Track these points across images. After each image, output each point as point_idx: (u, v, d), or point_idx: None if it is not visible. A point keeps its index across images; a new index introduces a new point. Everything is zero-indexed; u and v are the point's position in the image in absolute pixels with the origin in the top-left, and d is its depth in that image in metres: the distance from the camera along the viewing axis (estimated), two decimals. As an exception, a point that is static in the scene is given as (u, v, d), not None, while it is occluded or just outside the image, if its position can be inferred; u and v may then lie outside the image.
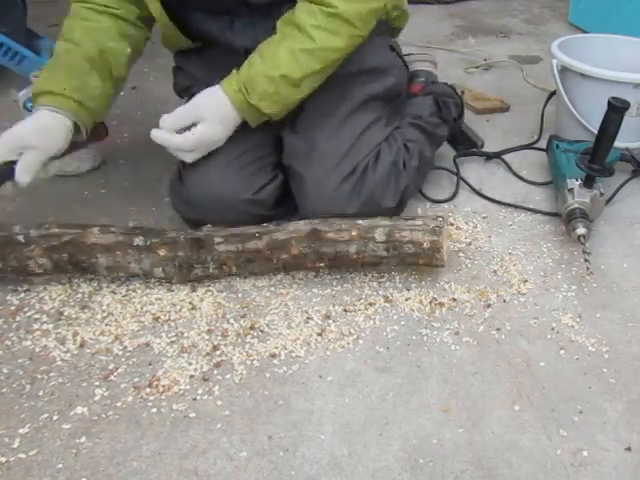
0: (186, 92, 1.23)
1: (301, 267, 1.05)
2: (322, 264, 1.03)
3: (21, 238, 1.00)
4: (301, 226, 1.03)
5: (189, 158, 1.08)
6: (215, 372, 0.90)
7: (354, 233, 1.01)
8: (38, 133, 1.02)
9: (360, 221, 1.03)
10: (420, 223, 1.02)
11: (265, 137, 1.17)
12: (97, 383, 0.88)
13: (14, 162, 1.01)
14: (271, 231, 1.02)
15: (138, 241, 1.00)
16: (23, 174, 1.01)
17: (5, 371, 0.90)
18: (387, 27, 1.25)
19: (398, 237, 1.01)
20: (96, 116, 1.11)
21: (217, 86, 1.05)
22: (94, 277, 1.06)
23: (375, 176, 1.11)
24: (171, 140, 1.05)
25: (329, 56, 1.03)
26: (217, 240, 1.01)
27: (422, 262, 1.03)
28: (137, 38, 1.15)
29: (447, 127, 1.36)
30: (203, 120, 1.04)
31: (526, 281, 1.07)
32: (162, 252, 1.00)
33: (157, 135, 1.05)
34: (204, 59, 1.20)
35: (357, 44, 1.07)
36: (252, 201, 1.11)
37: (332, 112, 1.12)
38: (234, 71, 1.05)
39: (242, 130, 1.13)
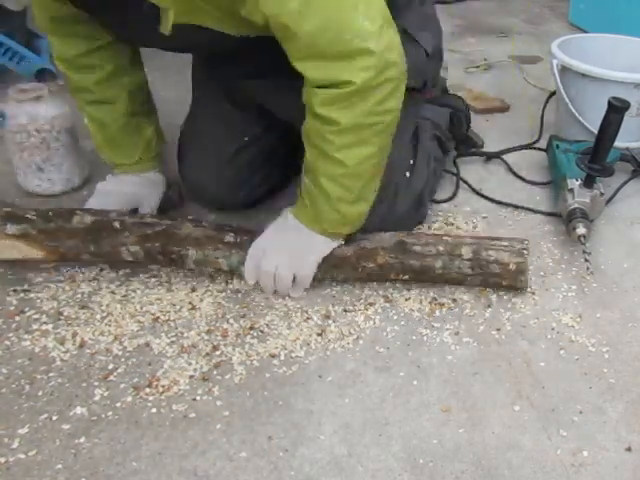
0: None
1: (385, 278, 1.04)
2: (407, 277, 1.02)
3: (117, 224, 1.02)
4: (386, 237, 1.02)
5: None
6: (215, 372, 0.90)
7: (441, 248, 1.00)
8: (144, 196, 1.16)
9: (446, 237, 1.02)
10: (506, 244, 1.01)
11: (268, 131, 1.21)
12: (96, 383, 0.88)
13: None
14: (358, 239, 1.02)
15: (229, 238, 1.02)
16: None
17: (4, 371, 0.90)
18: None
19: (484, 256, 1.00)
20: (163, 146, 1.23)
21: (291, 221, 1.01)
22: (95, 277, 1.07)
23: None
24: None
25: (368, 164, 0.95)
26: None
27: (505, 284, 1.02)
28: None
29: (454, 142, 1.42)
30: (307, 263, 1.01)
31: (526, 281, 1.07)
32: None
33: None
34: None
35: (391, 129, 0.95)
36: (237, 204, 1.21)
37: None
38: (299, 202, 1.01)
39: (240, 122, 1.18)
